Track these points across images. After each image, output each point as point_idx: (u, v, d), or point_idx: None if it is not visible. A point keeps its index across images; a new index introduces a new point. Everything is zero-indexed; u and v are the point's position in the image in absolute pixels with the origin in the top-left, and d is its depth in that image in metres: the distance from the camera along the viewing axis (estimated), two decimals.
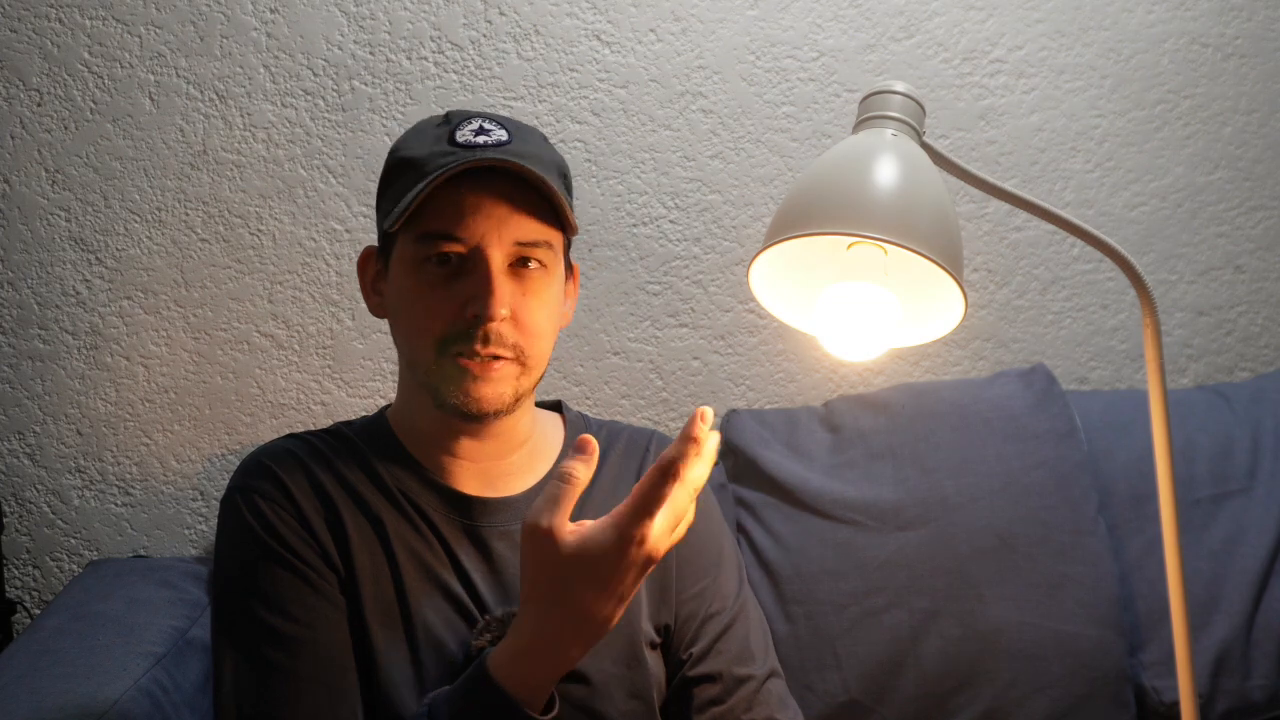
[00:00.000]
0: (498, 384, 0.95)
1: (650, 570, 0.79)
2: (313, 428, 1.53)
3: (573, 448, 0.80)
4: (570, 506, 0.78)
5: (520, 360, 0.96)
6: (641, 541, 0.77)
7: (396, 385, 1.11)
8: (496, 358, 0.95)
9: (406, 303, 0.97)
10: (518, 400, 0.99)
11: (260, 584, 0.94)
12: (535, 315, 0.97)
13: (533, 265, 0.97)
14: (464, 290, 0.94)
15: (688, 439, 0.76)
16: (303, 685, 0.92)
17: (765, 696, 1.05)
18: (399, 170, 0.99)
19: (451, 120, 0.99)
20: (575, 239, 1.62)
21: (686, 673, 1.04)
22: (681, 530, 0.80)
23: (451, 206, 0.94)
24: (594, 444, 0.79)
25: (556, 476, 0.79)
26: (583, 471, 0.78)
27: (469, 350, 0.94)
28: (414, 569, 0.97)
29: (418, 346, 0.96)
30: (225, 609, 0.96)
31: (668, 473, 0.76)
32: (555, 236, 0.99)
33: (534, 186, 0.95)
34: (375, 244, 1.05)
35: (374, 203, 0.99)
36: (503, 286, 0.93)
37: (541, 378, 1.02)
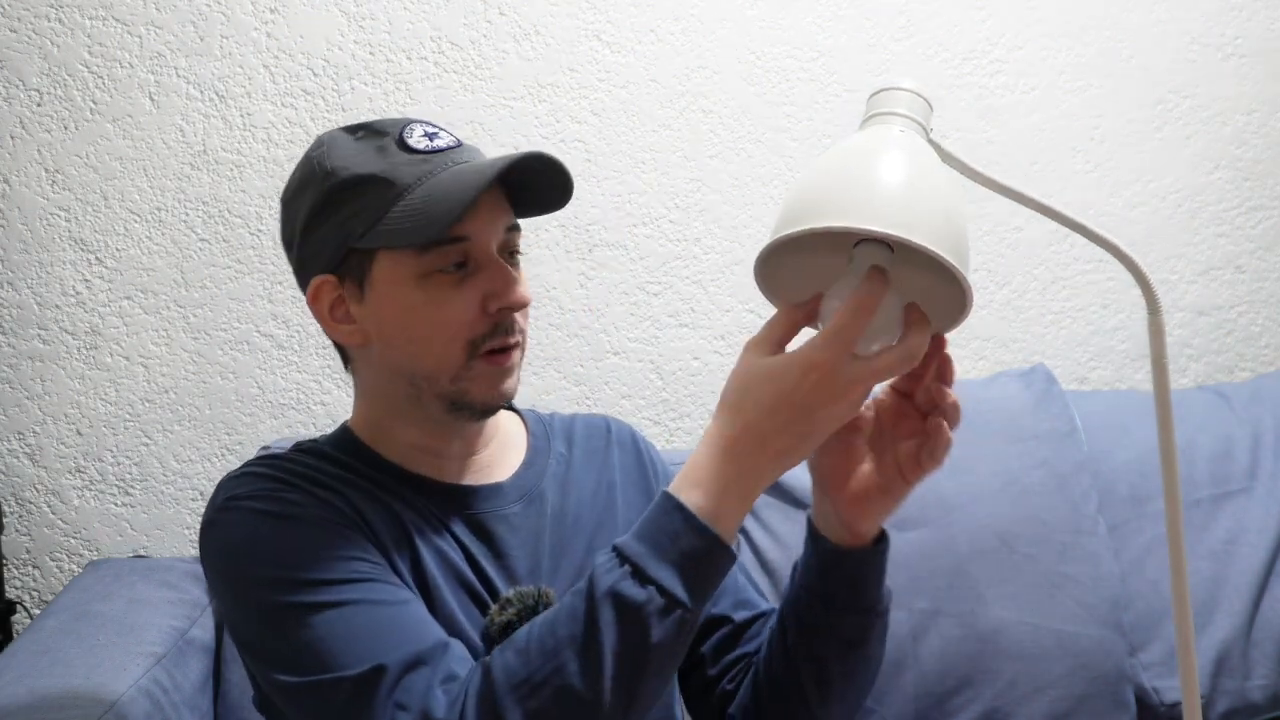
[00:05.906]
0: (514, 372, 0.98)
1: (861, 391, 0.78)
2: (313, 428, 1.54)
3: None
4: (790, 338, 0.84)
5: (523, 345, 0.99)
6: (842, 354, 0.78)
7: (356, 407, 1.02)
8: (514, 346, 0.97)
9: (420, 317, 0.94)
10: None
11: (299, 555, 0.87)
12: (527, 298, 0.99)
13: (516, 253, 0.98)
14: (478, 288, 0.94)
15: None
16: (386, 610, 0.85)
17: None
18: (355, 187, 0.93)
19: (384, 131, 0.95)
20: (575, 239, 1.63)
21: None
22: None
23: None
24: None
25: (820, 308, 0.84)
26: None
27: (498, 344, 0.95)
28: (434, 560, 0.96)
29: (443, 356, 0.94)
30: (267, 606, 0.86)
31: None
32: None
33: (554, 173, 0.95)
34: (316, 274, 0.96)
35: None
36: (517, 275, 0.95)
37: None
